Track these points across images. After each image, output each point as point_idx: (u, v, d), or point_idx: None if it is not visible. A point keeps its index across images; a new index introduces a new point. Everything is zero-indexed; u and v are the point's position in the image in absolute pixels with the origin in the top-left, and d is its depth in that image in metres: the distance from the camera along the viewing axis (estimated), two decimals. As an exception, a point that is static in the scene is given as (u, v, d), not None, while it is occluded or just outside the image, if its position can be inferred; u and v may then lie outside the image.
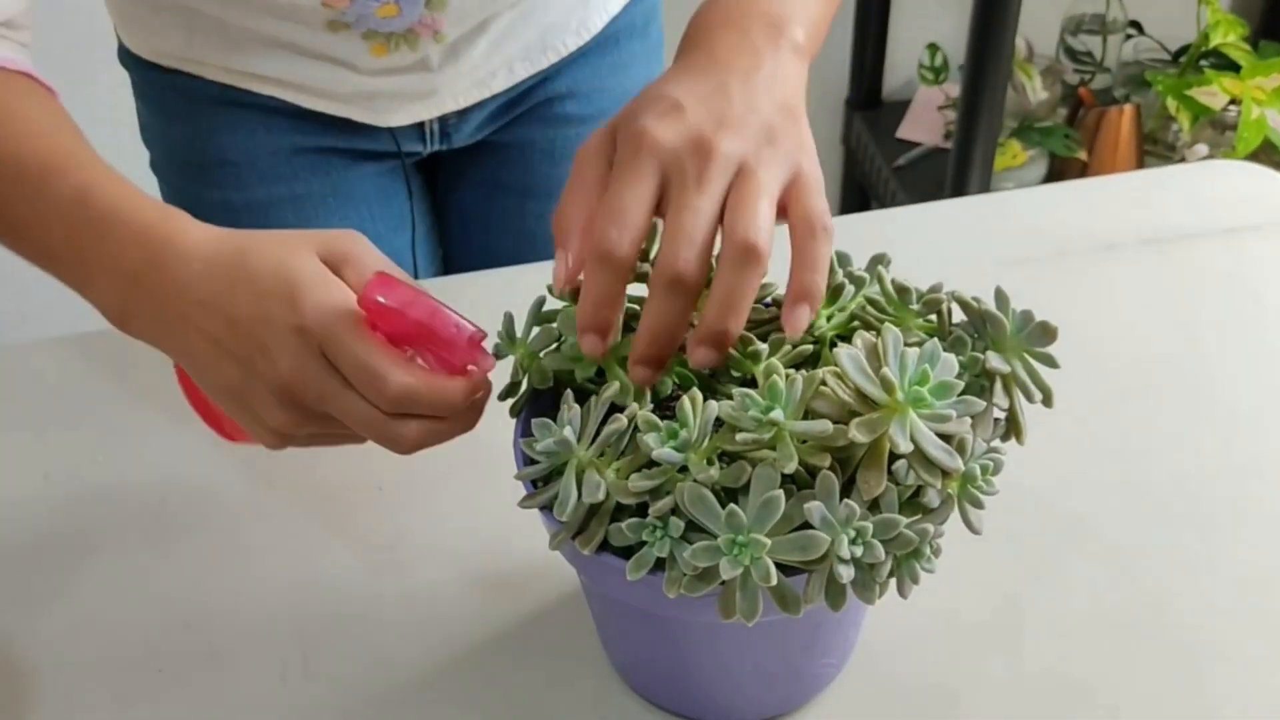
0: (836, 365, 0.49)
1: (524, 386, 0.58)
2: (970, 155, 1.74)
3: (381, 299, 0.53)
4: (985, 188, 1.77)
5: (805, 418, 0.49)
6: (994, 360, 0.52)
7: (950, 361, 0.50)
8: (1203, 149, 1.94)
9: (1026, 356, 0.53)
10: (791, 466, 0.48)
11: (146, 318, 0.58)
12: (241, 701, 0.64)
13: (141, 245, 0.58)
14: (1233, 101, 1.88)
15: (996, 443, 0.53)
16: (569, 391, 0.54)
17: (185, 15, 0.85)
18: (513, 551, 0.70)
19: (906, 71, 2.19)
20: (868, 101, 2.18)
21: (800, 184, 0.55)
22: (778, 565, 0.47)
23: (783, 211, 0.54)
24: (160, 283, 0.57)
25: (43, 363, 0.86)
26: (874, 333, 0.51)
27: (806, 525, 0.48)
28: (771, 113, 0.55)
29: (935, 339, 0.51)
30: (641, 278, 0.56)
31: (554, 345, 0.57)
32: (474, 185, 1.03)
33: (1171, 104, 1.90)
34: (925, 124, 2.13)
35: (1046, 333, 0.52)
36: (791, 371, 0.50)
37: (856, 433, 0.47)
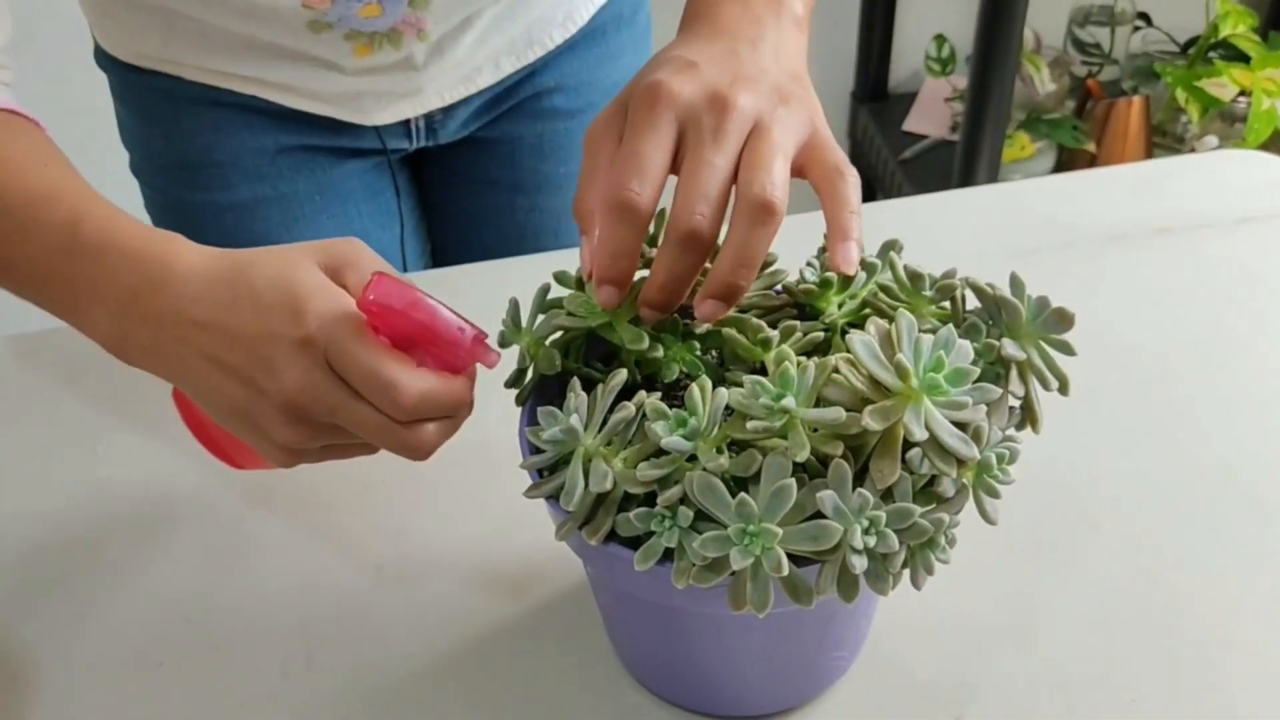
0: (849, 352, 0.48)
1: (530, 375, 0.57)
2: (978, 147, 1.73)
3: (382, 300, 0.52)
4: (993, 180, 1.76)
5: (817, 405, 0.48)
6: (1009, 347, 0.51)
7: (965, 348, 0.48)
8: (1212, 140, 1.93)
9: (1042, 344, 0.52)
10: (803, 455, 0.47)
11: (144, 343, 0.56)
12: (243, 695, 0.63)
13: (136, 270, 0.56)
14: (1242, 93, 1.87)
15: (1011, 431, 0.52)
16: (575, 379, 0.53)
17: (163, 15, 0.83)
18: (517, 544, 0.69)
19: (913, 63, 2.18)
20: (874, 94, 2.17)
21: (816, 140, 0.55)
22: (788, 556, 0.46)
23: (798, 173, 0.54)
24: (157, 306, 0.55)
25: (44, 355, 0.86)
26: (887, 320, 0.50)
27: (818, 515, 0.47)
28: (781, 77, 0.56)
29: (950, 325, 0.50)
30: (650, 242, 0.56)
31: (561, 331, 0.56)
32: (462, 181, 1.02)
33: (1181, 95, 1.89)
34: (932, 116, 2.12)
35: (1063, 319, 0.51)
36: (803, 359, 0.49)
37: (870, 420, 0.46)
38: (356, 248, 0.57)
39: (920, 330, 0.49)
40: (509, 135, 0.99)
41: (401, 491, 0.73)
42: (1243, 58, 1.90)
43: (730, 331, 0.55)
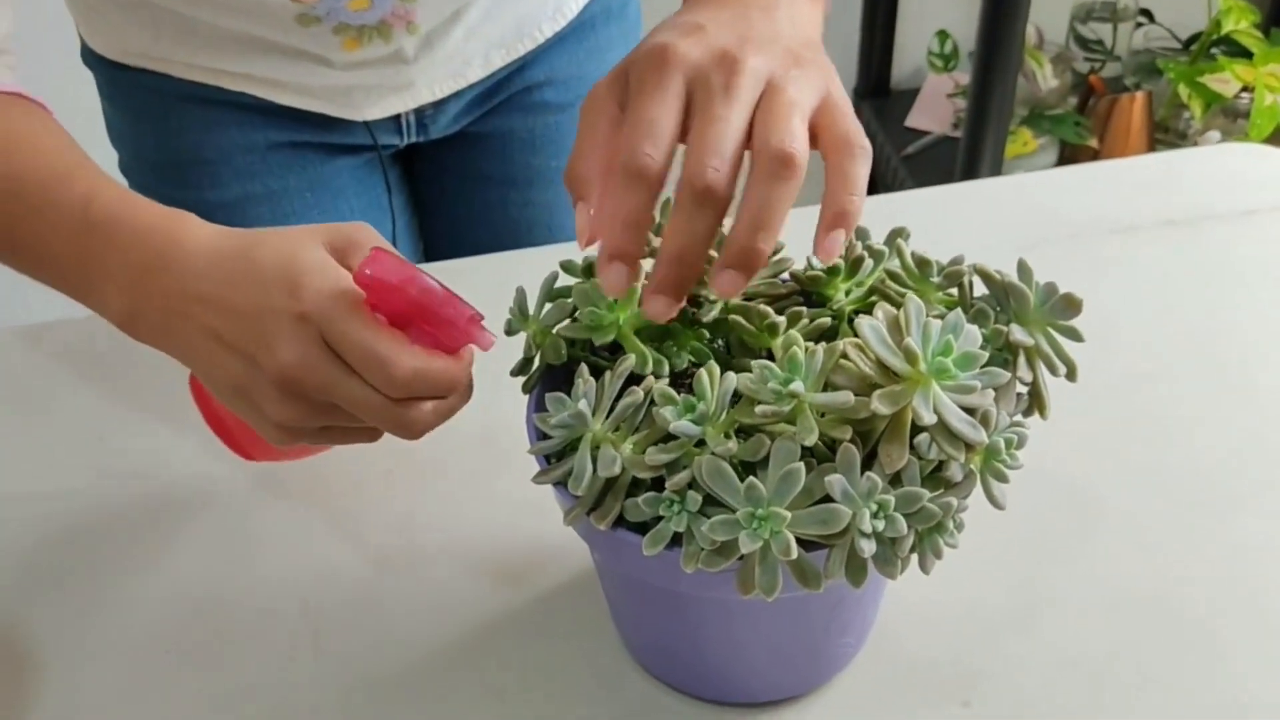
0: (858, 336, 0.48)
1: (537, 363, 0.57)
2: (981, 143, 1.73)
3: (379, 274, 0.52)
4: (996, 175, 1.76)
5: (825, 390, 0.48)
6: (1017, 333, 0.51)
7: (974, 333, 0.49)
8: (1215, 136, 1.93)
9: (1050, 330, 0.52)
10: (812, 439, 0.47)
11: (153, 320, 0.57)
12: (250, 681, 0.63)
13: (146, 246, 0.56)
14: (1245, 89, 1.87)
15: (1019, 417, 0.52)
16: (583, 365, 0.53)
17: (150, 12, 0.82)
18: (524, 533, 0.69)
19: (915, 59, 2.18)
20: (876, 90, 2.17)
21: (831, 105, 0.52)
22: (797, 540, 0.46)
23: (811, 138, 0.51)
24: (165, 282, 0.56)
25: (50, 345, 0.86)
26: (895, 306, 0.50)
27: (826, 499, 0.47)
28: (794, 41, 0.53)
29: (958, 310, 0.50)
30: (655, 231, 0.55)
31: (568, 319, 0.56)
32: (454, 176, 1.02)
33: (1183, 91, 1.89)
34: (935, 112, 2.12)
35: (1071, 305, 0.51)
36: (811, 344, 0.49)
37: (879, 404, 0.46)
38: (365, 231, 0.57)
39: (928, 316, 0.49)
40: (500, 130, 0.99)
41: (409, 479, 0.73)
42: (1245, 54, 1.90)
43: (737, 318, 0.55)
